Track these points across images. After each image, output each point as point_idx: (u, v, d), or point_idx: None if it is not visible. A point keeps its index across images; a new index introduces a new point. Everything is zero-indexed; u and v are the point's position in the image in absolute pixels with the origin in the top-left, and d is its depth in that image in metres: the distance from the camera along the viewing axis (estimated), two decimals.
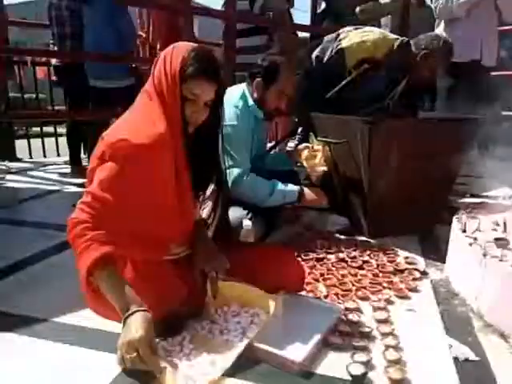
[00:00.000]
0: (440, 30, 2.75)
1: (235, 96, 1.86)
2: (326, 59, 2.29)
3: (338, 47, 2.24)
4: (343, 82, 2.20)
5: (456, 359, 1.09)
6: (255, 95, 1.85)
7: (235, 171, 1.75)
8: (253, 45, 3.41)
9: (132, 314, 0.99)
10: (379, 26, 3.93)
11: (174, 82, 1.11)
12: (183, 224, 1.27)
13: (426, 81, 2.25)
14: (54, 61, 3.45)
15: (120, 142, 1.08)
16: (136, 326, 0.97)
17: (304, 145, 2.00)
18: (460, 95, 2.53)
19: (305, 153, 1.95)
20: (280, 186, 1.82)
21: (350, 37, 2.23)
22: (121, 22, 2.99)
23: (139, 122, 1.14)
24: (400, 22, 3.86)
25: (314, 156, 1.93)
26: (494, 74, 3.40)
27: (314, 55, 2.35)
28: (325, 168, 1.91)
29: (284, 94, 1.84)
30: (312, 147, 1.97)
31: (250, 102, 1.86)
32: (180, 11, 3.14)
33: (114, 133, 1.13)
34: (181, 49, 1.14)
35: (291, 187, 1.84)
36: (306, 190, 1.86)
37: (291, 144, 1.99)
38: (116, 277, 1.04)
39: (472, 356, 1.10)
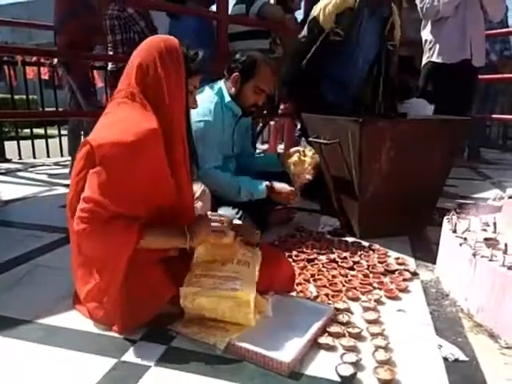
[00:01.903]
0: (427, 31, 2.75)
1: (211, 92, 1.85)
2: (304, 34, 2.33)
3: (310, 18, 2.31)
4: (317, 43, 2.25)
5: (446, 359, 1.08)
6: (232, 90, 1.84)
7: (203, 168, 1.74)
8: (257, 48, 3.40)
9: (192, 237, 1.15)
10: None
11: (181, 78, 1.19)
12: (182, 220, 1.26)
13: None
14: (109, 66, 3.52)
15: (108, 146, 1.07)
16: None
17: (295, 148, 2.00)
18: (448, 97, 2.53)
19: (294, 157, 1.95)
20: (246, 184, 1.82)
21: (317, 6, 2.29)
22: (206, 34, 3.06)
23: (127, 121, 1.13)
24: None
25: (303, 162, 1.93)
26: (486, 76, 3.43)
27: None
28: (310, 177, 1.91)
29: (261, 90, 1.83)
30: (303, 152, 1.96)
31: (227, 98, 1.84)
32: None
33: (100, 135, 1.11)
34: (172, 47, 1.19)
35: (258, 185, 1.83)
36: (275, 185, 1.84)
37: (282, 146, 2.02)
38: (157, 228, 1.13)
39: (462, 356, 1.09)
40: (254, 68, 1.80)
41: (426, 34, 2.75)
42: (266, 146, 5.06)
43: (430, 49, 2.70)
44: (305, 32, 2.34)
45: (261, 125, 3.92)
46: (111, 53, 3.32)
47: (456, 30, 2.58)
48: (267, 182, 1.84)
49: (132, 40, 3.20)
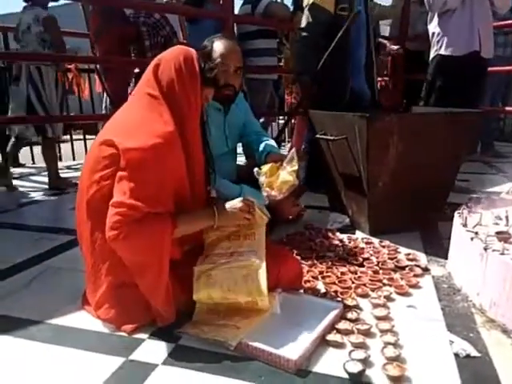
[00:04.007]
0: (434, 24, 2.69)
1: None
2: (308, 21, 2.36)
3: (309, 5, 2.34)
4: (340, 33, 2.29)
5: (457, 355, 1.06)
6: None
7: None
8: (265, 47, 3.41)
9: (218, 217, 1.23)
10: (377, 24, 3.98)
11: (196, 87, 1.22)
12: None
13: None
14: (136, 69, 3.60)
15: (134, 150, 1.10)
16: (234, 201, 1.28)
17: (281, 158, 1.68)
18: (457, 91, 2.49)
19: (266, 168, 1.60)
20: (247, 193, 1.74)
21: None
22: None
23: (149, 123, 1.16)
24: (400, 23, 3.88)
25: (276, 178, 1.55)
26: (495, 68, 3.37)
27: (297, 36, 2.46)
28: (279, 197, 1.54)
29: (226, 66, 1.71)
30: (282, 165, 1.58)
31: None
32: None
33: (125, 138, 1.14)
34: (188, 56, 1.23)
35: (259, 194, 1.60)
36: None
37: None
38: (185, 215, 1.19)
39: (473, 352, 1.07)
40: (210, 50, 1.72)
41: (433, 26, 2.69)
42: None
43: (438, 41, 2.64)
44: (309, 19, 2.35)
45: (282, 122, 3.93)
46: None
47: (464, 21, 2.52)
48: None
49: (159, 44, 3.31)
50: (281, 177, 1.55)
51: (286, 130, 5.88)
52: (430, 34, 2.76)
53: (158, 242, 1.11)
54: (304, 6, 2.42)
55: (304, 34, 2.40)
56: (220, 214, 1.24)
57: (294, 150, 1.64)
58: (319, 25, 2.34)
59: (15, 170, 3.80)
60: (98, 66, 3.56)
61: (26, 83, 2.86)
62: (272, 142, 1.96)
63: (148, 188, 1.10)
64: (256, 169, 1.61)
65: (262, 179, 1.57)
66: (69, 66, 4.39)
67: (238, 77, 1.78)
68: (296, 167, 1.56)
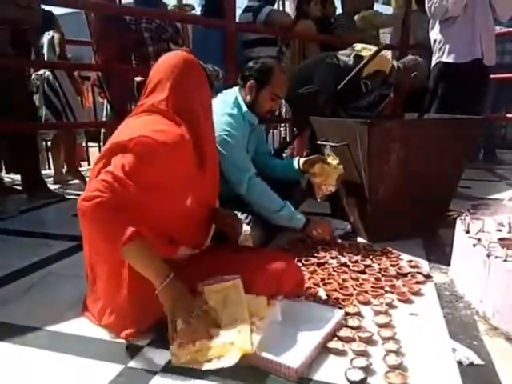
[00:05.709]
0: (436, 31, 2.70)
1: (229, 103, 1.84)
2: (342, 64, 2.43)
3: (356, 54, 2.41)
4: (352, 73, 2.36)
5: (460, 363, 1.05)
6: (248, 98, 1.83)
7: (246, 176, 1.75)
8: (265, 55, 3.42)
9: (168, 283, 1.08)
10: (377, 33, 4.01)
11: (207, 93, 1.30)
12: (199, 227, 1.30)
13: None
14: (138, 78, 3.59)
15: (143, 138, 1.09)
16: (183, 294, 1.11)
17: (317, 156, 1.94)
18: (460, 98, 2.49)
19: (316, 167, 1.90)
20: (291, 208, 1.80)
21: (367, 50, 2.40)
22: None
23: (159, 125, 1.15)
24: (401, 31, 3.90)
25: (326, 173, 1.88)
26: (498, 76, 3.37)
27: (332, 60, 2.49)
28: (333, 189, 1.89)
29: (277, 96, 1.83)
30: (325, 160, 1.90)
31: (244, 108, 1.83)
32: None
33: (132, 132, 1.12)
34: (197, 64, 1.26)
35: (300, 215, 1.82)
36: (313, 221, 1.85)
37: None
38: (147, 248, 1.08)
39: (477, 360, 1.05)
40: (269, 75, 1.80)
41: (434, 33, 2.69)
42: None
43: (440, 49, 2.65)
44: (349, 61, 2.42)
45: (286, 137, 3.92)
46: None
47: (466, 29, 2.53)
48: (306, 218, 1.83)
49: (163, 49, 3.29)
50: (330, 171, 1.87)
51: (287, 136, 5.86)
52: (432, 41, 2.77)
53: (114, 241, 1.03)
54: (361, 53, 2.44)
55: (336, 62, 2.45)
56: (169, 287, 1.08)
57: (328, 145, 1.96)
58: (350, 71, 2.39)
59: (18, 177, 3.80)
60: (99, 74, 3.56)
61: (42, 88, 3.11)
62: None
63: (141, 172, 1.07)
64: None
65: (314, 180, 1.90)
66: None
67: (277, 104, 1.92)
68: (337, 159, 1.88)
